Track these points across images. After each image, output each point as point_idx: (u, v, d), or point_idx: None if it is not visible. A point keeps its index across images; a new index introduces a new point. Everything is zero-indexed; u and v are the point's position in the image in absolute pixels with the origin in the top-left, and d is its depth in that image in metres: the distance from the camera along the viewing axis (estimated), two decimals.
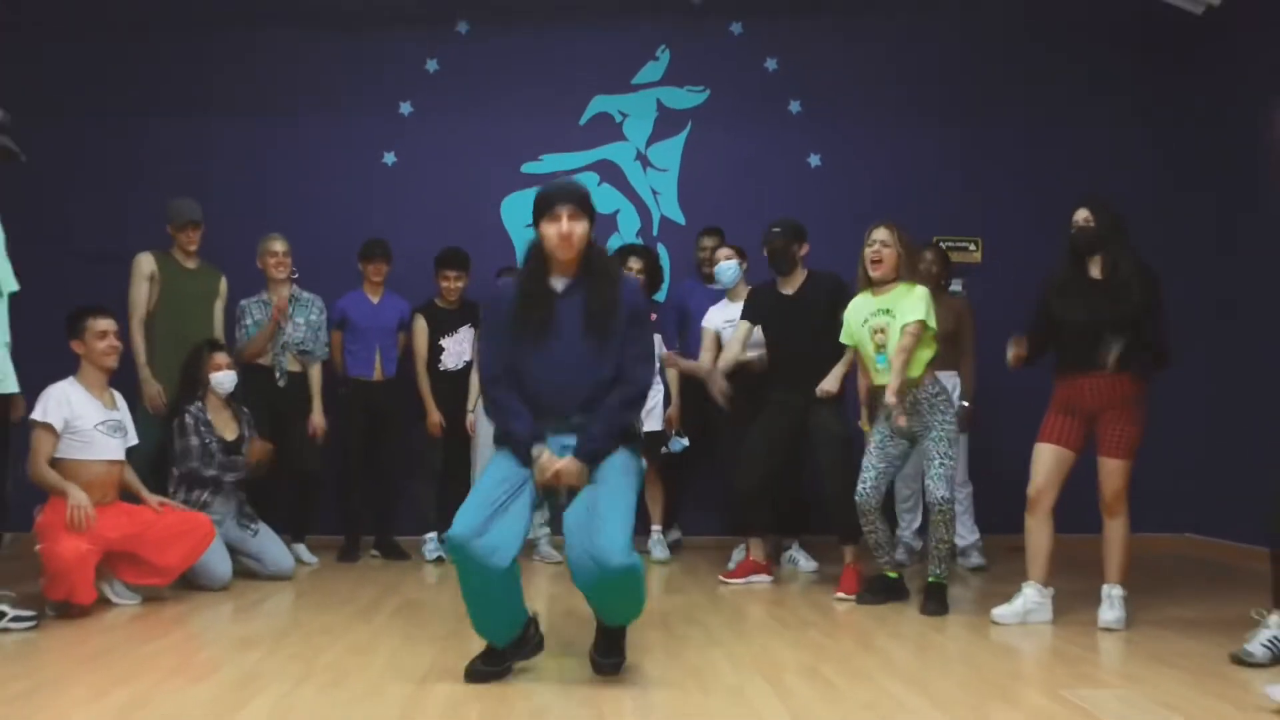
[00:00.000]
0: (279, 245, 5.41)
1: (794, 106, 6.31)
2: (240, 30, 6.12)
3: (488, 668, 3.12)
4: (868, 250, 4.30)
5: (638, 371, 3.17)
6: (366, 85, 6.19)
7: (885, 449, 4.30)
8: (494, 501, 3.01)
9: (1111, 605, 3.89)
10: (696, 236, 5.91)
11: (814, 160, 6.29)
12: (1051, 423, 4.02)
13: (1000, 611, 3.96)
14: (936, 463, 4.22)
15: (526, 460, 3.12)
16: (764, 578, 4.84)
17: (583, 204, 3.16)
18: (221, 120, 6.09)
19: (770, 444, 4.69)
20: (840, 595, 4.43)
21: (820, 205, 5.92)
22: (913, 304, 4.20)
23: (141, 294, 5.22)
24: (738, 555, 5.13)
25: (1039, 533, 4.01)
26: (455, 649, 3.48)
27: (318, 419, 5.47)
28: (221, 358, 4.95)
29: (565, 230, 3.10)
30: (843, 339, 4.43)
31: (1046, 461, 4.00)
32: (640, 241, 5.94)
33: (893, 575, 4.42)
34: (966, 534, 5.44)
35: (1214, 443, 5.87)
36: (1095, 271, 3.98)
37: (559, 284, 3.18)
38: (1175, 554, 5.93)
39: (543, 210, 3.15)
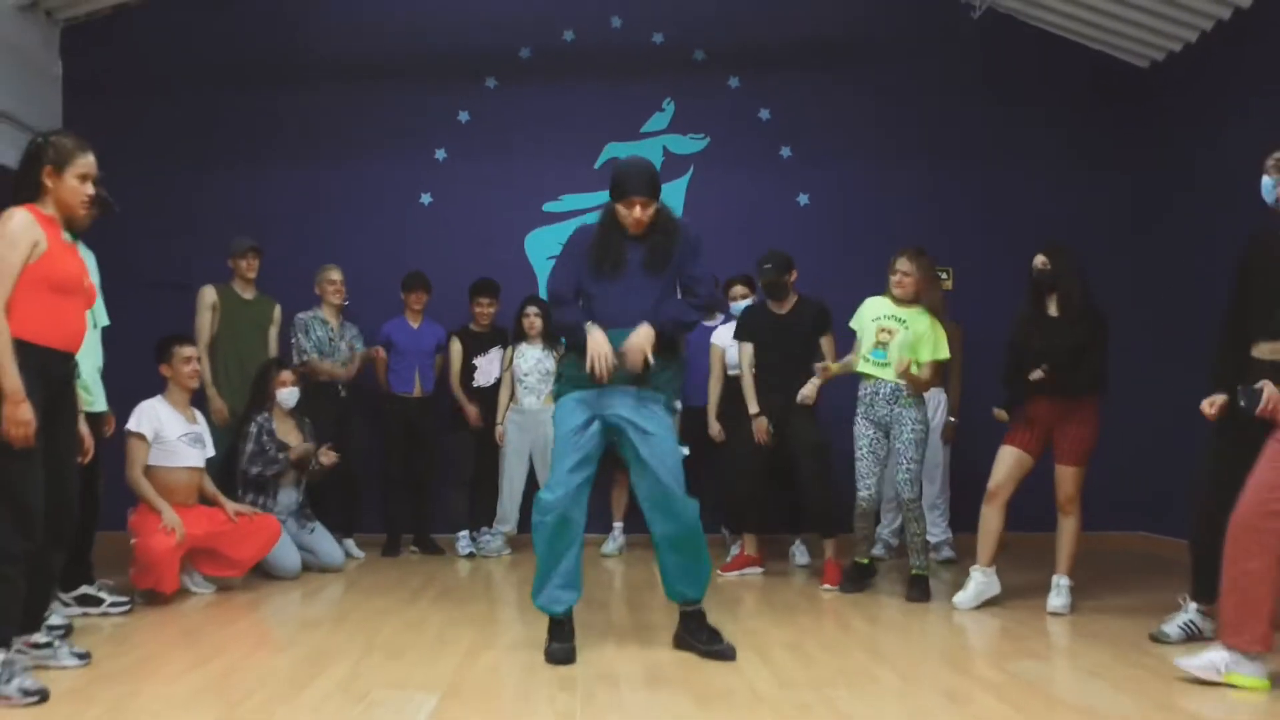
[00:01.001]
0: (336, 275, 6.00)
1: (785, 151, 6.80)
2: (293, 86, 6.67)
3: (562, 644, 3.48)
4: (892, 276, 4.80)
5: (701, 286, 3.63)
6: (405, 134, 6.71)
7: (875, 452, 4.80)
8: (576, 470, 3.47)
9: (1059, 593, 4.39)
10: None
11: (803, 199, 6.78)
12: (1016, 430, 4.54)
13: (960, 598, 4.49)
14: (905, 466, 4.74)
15: (582, 344, 3.47)
16: (756, 570, 5.37)
17: (653, 192, 3.54)
18: (276, 165, 6.62)
19: (755, 452, 5.19)
20: (826, 587, 4.92)
21: (809, 239, 6.38)
22: (933, 336, 4.72)
23: (206, 322, 5.73)
24: (734, 550, 5.61)
25: (992, 520, 4.53)
26: (492, 627, 4.06)
27: (381, 353, 6.05)
28: (287, 375, 5.43)
29: (638, 216, 3.54)
30: (852, 324, 4.91)
31: (1007, 462, 4.52)
32: None
33: (864, 561, 4.92)
34: (939, 532, 5.98)
35: (1167, 448, 6.18)
36: (1052, 309, 4.49)
37: (629, 235, 3.60)
38: (1129, 550, 6.34)
39: (619, 194, 3.53)
